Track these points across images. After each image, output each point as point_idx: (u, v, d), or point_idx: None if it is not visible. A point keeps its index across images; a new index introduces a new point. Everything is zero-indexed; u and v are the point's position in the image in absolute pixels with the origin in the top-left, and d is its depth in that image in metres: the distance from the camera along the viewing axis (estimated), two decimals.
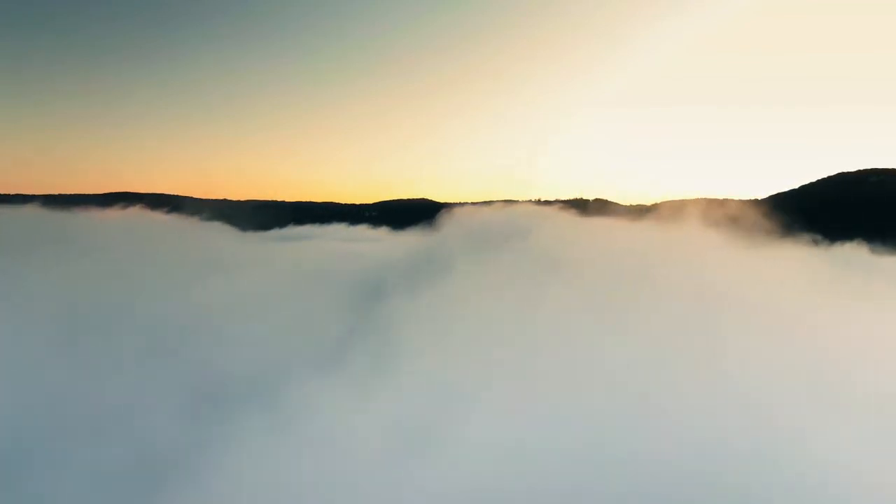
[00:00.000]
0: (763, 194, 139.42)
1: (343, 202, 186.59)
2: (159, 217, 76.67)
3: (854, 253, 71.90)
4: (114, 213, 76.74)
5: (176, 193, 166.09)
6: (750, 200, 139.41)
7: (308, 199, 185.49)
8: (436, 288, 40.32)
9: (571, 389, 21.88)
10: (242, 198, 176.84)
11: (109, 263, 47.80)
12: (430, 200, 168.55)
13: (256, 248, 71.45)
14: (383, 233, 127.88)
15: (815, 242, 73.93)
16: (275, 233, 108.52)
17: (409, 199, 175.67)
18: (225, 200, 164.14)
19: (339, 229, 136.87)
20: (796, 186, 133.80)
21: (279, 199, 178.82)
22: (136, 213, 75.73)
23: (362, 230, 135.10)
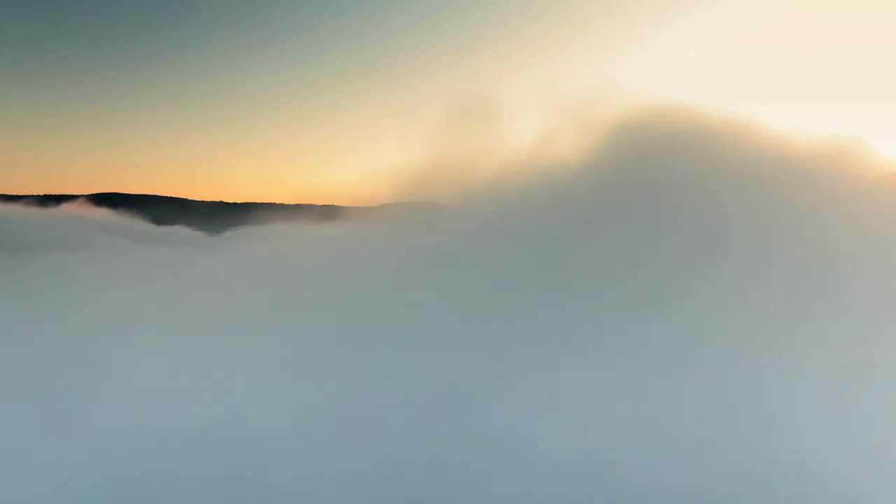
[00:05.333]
0: None
1: (345, 205, 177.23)
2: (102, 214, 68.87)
3: None
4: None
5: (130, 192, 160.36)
6: None
7: (309, 202, 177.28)
8: None
9: None
10: (240, 200, 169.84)
11: None
12: (434, 203, 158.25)
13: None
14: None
15: None
16: (245, 229, 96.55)
17: (413, 203, 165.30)
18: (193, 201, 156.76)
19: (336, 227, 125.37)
20: None
21: (278, 201, 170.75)
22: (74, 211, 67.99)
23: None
